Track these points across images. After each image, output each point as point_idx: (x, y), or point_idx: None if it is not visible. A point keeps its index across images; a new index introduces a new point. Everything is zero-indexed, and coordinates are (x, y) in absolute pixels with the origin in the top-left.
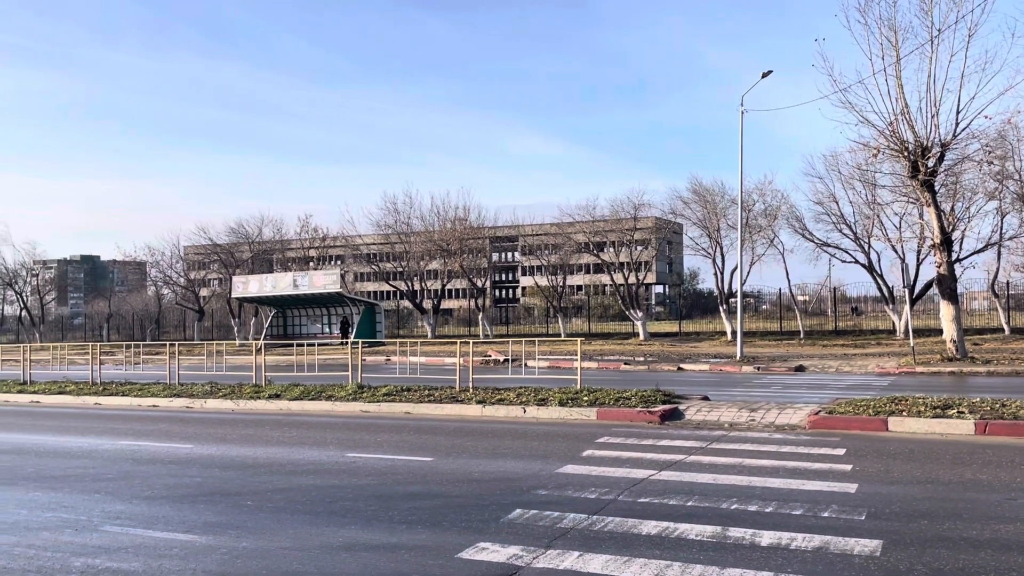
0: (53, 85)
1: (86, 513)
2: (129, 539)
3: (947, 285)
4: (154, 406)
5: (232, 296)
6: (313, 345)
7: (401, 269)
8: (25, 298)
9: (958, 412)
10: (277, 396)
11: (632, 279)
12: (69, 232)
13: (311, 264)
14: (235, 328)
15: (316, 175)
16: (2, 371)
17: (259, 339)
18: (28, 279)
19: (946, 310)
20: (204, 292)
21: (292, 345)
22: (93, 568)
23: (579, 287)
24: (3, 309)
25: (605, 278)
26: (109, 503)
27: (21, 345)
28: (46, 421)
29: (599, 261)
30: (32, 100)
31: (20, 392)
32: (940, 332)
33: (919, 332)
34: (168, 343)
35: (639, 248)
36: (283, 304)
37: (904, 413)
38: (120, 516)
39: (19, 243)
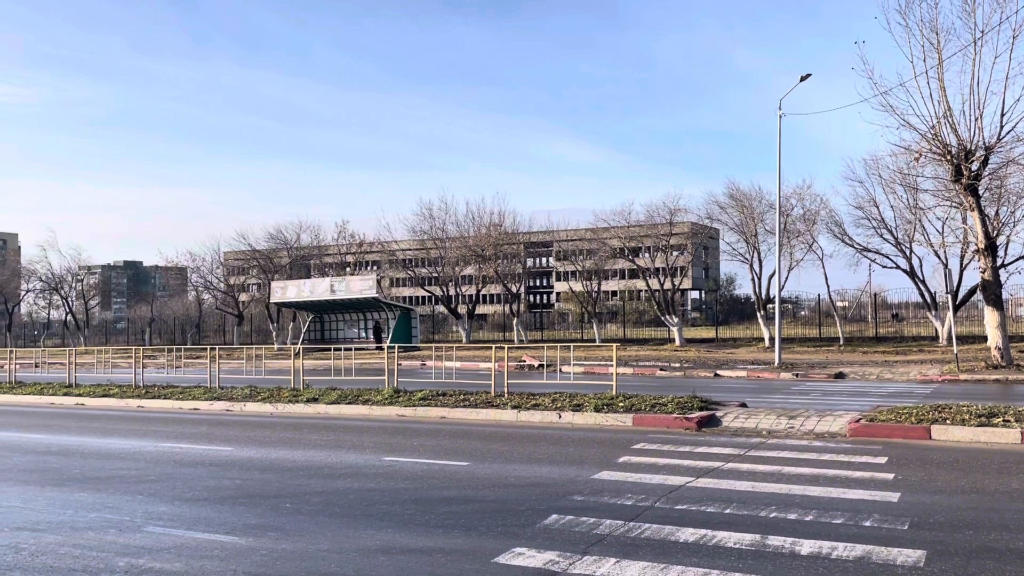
0: (95, 94)
1: (129, 514)
2: (171, 540)
3: (992, 291)
4: (195, 409)
5: (271, 301)
6: (350, 350)
7: (436, 274)
8: (70, 303)
9: (1004, 420)
10: (315, 400)
11: (668, 284)
12: (113, 238)
13: (348, 270)
14: (273, 333)
15: (352, 181)
16: (49, 374)
17: (297, 343)
18: (73, 284)
19: (991, 316)
20: (243, 297)
21: (329, 349)
22: (137, 568)
23: (614, 292)
24: (49, 313)
25: (640, 283)
26: (152, 504)
27: (67, 349)
28: (91, 423)
29: (634, 266)
30: (76, 109)
31: (66, 395)
32: (984, 339)
33: (963, 339)
34: (208, 347)
35: (675, 253)
36: (320, 309)
37: (948, 421)
38: (162, 517)
39: (65, 249)
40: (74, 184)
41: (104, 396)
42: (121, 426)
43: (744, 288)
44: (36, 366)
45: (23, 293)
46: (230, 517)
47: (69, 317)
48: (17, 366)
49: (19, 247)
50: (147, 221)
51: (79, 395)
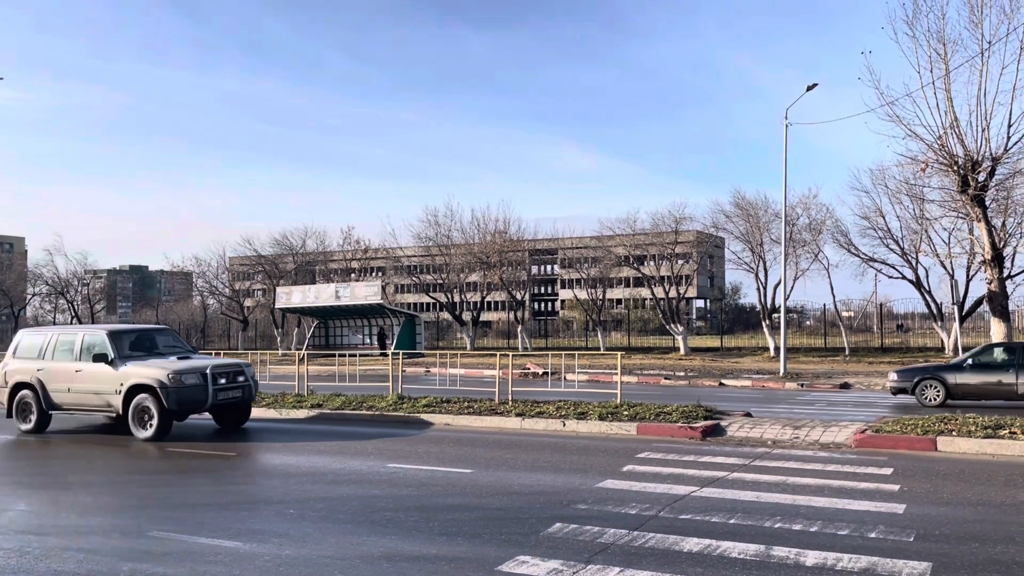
0: (103, 100)
1: (134, 519)
2: (175, 544)
3: (998, 302)
4: None
5: (276, 306)
6: (355, 356)
7: (441, 281)
8: (76, 307)
9: (1010, 432)
10: (319, 406)
11: (673, 293)
12: (119, 243)
13: (353, 276)
14: (278, 338)
15: (358, 188)
16: None
17: (302, 349)
18: (79, 288)
19: (997, 328)
20: (248, 302)
21: (334, 355)
22: (141, 572)
23: (619, 300)
24: (55, 317)
25: (645, 292)
26: (156, 509)
27: None
28: None
29: (639, 275)
30: (82, 115)
31: None
32: None
33: (969, 350)
34: (213, 352)
35: (680, 262)
36: (325, 315)
37: (954, 433)
38: (167, 522)
39: (71, 253)
40: (81, 189)
41: None
42: None
43: (749, 297)
44: None
45: (29, 297)
46: (234, 523)
47: (74, 321)
48: None
49: (25, 251)
50: (153, 226)
51: None
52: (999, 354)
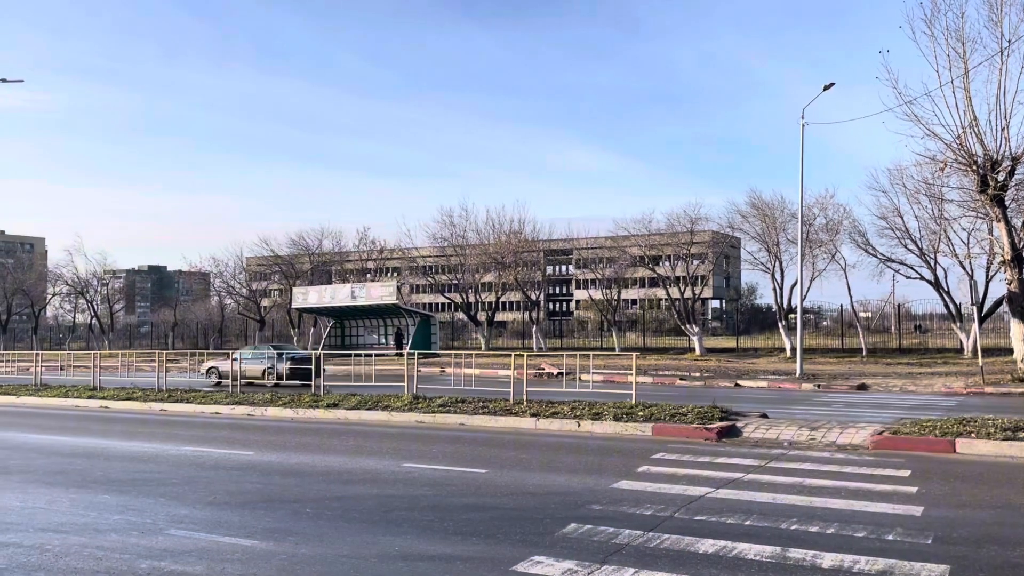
0: (120, 101)
1: (152, 516)
2: (193, 543)
3: (1018, 303)
4: (217, 413)
5: (292, 306)
6: (370, 356)
7: (456, 281)
8: (95, 307)
9: None
10: (335, 405)
11: (688, 293)
12: (138, 243)
13: (368, 276)
14: (295, 338)
15: (374, 188)
16: (73, 377)
17: (318, 349)
18: (98, 288)
19: (1017, 329)
20: (265, 302)
21: (349, 355)
22: (159, 570)
23: (634, 301)
24: (75, 317)
25: (660, 292)
26: (174, 507)
27: (91, 352)
28: (115, 426)
29: (654, 275)
30: (102, 115)
31: (90, 397)
32: (1010, 351)
33: (988, 351)
34: (230, 352)
35: (696, 262)
36: (341, 315)
37: (973, 435)
38: (184, 520)
39: (91, 254)
40: (100, 189)
41: (127, 399)
42: (144, 429)
43: (765, 298)
44: (61, 369)
45: (49, 297)
46: (251, 521)
47: (94, 321)
48: (43, 369)
49: (46, 251)
50: (171, 226)
51: (103, 398)
52: (258, 351)
